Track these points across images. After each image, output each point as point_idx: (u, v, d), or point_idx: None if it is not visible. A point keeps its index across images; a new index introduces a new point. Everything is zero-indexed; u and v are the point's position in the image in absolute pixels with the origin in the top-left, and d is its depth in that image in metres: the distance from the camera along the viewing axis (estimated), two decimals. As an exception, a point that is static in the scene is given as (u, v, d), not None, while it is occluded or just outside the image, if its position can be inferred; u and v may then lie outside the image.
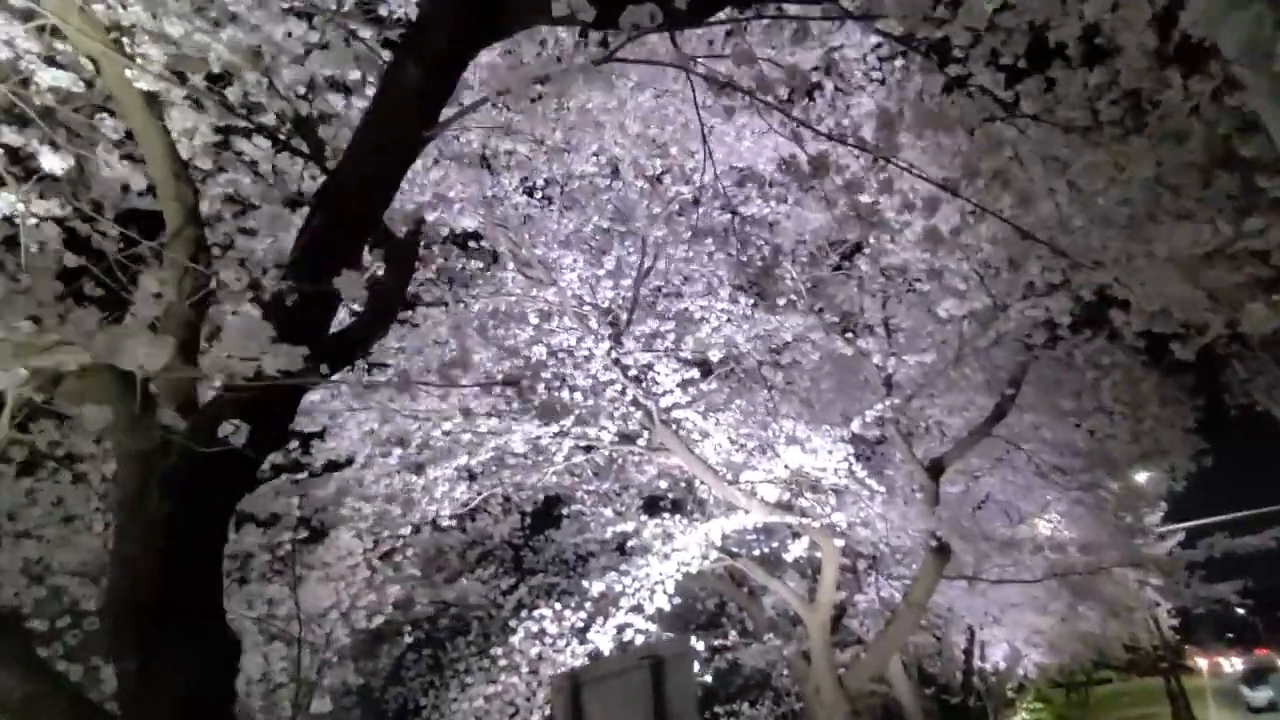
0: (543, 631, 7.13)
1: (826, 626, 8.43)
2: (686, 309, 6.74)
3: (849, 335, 8.11)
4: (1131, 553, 10.23)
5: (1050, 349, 7.25)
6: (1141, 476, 13.78)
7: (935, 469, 8.24)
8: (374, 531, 6.66)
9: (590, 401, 7.22)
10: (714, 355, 6.91)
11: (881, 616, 9.84)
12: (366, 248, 3.67)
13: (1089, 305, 6.56)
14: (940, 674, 18.06)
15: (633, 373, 6.48)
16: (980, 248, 6.38)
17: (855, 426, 7.59)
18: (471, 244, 7.03)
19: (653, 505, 9.53)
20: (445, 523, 10.72)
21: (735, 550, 8.99)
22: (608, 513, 9.17)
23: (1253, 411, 7.98)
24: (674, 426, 6.71)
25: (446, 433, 6.42)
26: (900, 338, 8.08)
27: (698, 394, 6.72)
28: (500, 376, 7.21)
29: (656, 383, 6.52)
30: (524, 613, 7.21)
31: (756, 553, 8.94)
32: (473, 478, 9.47)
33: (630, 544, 8.27)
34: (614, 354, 6.07)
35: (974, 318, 7.29)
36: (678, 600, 7.83)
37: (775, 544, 9.05)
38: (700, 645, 7.15)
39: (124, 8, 2.96)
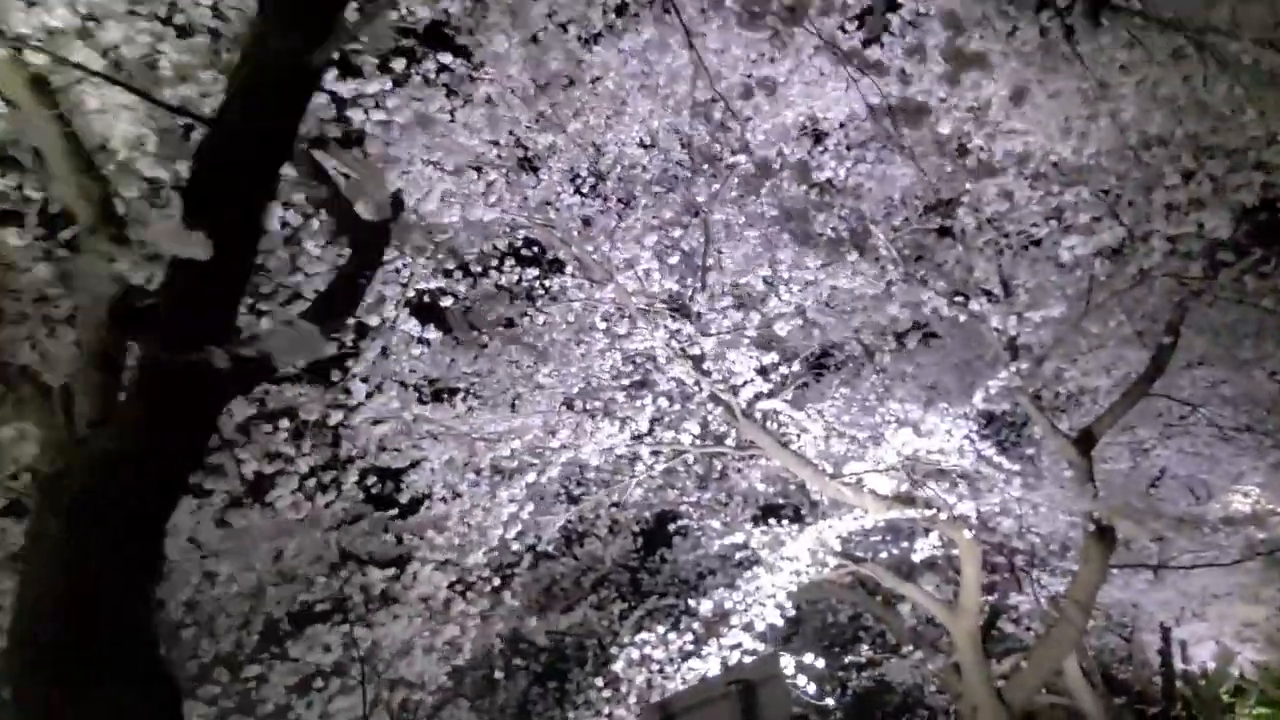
0: (647, 657, 6.55)
1: (976, 634, 7.33)
2: (758, 289, 6.04)
3: (960, 299, 7.09)
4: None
5: (1212, 278, 5.96)
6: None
7: (1085, 441, 7.00)
8: (456, 563, 6.35)
9: (677, 406, 6.63)
10: (794, 336, 6.17)
11: (1045, 619, 8.53)
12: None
13: (1254, 215, 5.31)
14: (1134, 680, 15.83)
15: (706, 365, 5.85)
16: (1100, 163, 5.33)
17: (978, 400, 6.56)
18: (527, 252, 6.68)
19: (769, 514, 8.79)
20: (550, 550, 10.45)
21: (860, 555, 8.06)
22: (716, 525, 8.49)
23: None
24: (761, 420, 6.00)
25: (514, 452, 6.03)
26: (1021, 295, 6.97)
27: (779, 382, 5.99)
28: (576, 391, 6.78)
29: (734, 372, 5.85)
30: (627, 638, 6.66)
31: (884, 555, 7.97)
32: (573, 501, 9.12)
33: (738, 556, 7.56)
34: (676, 344, 5.47)
35: (1106, 256, 6.15)
36: (795, 614, 7.06)
37: (905, 544, 8.05)
38: (820, 662, 6.30)
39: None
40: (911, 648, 8.58)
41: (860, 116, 7.25)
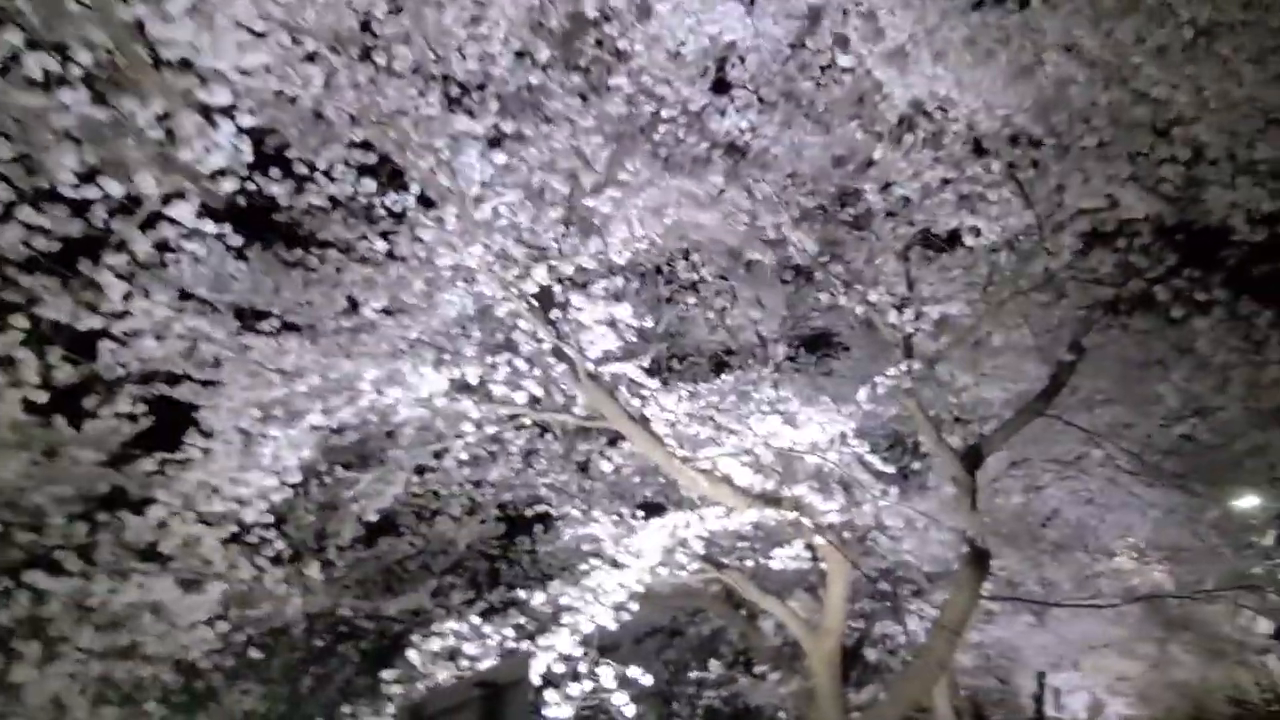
0: (457, 650, 5.60)
1: (835, 658, 6.63)
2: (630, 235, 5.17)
3: (858, 288, 6.42)
4: (1238, 576, 8.05)
5: (1121, 284, 5.40)
6: (1242, 506, 11.37)
7: (972, 458, 6.40)
8: (237, 520, 5.28)
9: (539, 373, 5.71)
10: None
11: (915, 651, 7.92)
12: None
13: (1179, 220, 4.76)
14: (1005, 724, 15.63)
15: (554, 315, 4.96)
16: (1015, 135, 4.70)
17: (862, 397, 5.86)
18: (370, 162, 5.68)
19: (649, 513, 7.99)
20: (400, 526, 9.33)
21: (725, 561, 7.29)
22: (575, 513, 7.60)
23: None
24: (610, 385, 5.14)
25: (313, 390, 5.00)
26: (923, 288, 6.34)
27: (639, 343, 5.15)
28: (415, 336, 5.80)
29: (582, 325, 4.98)
30: (438, 626, 5.69)
31: (750, 563, 7.21)
32: (420, 472, 8.10)
33: (586, 549, 6.69)
34: (519, 289, 4.56)
35: (1012, 248, 5.55)
36: (637, 620, 6.24)
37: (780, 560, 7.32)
38: (647, 678, 5.46)
39: None
40: (769, 668, 7.83)
41: (771, 71, 6.57)
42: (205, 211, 5.07)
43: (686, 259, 8.24)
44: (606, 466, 7.29)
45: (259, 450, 4.64)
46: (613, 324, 4.91)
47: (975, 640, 13.88)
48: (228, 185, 4.75)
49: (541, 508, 8.61)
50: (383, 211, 5.77)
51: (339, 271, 6.14)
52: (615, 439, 7.59)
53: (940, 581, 8.75)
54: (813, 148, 6.62)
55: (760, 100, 6.69)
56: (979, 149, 5.16)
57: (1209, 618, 12.45)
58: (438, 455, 8.08)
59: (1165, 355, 6.55)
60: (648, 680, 5.34)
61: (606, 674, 5.30)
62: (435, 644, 5.34)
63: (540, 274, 4.46)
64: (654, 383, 5.06)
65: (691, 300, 8.51)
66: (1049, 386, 6.35)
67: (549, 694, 4.94)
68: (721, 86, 6.48)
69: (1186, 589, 8.27)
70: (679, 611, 11.58)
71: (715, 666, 7.59)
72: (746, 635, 8.30)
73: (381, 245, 5.89)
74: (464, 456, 8.01)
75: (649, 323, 5.06)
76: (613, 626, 5.66)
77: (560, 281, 4.83)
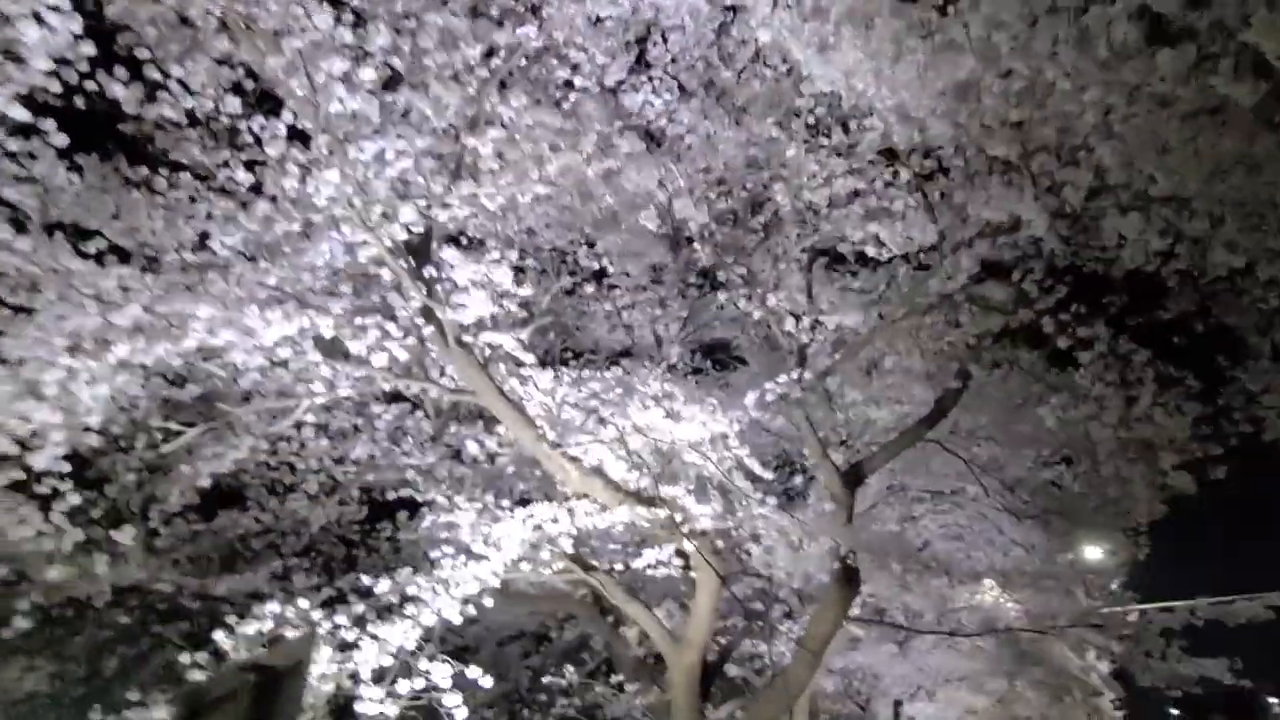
0: (279, 638, 4.98)
1: (695, 672, 6.35)
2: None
3: (758, 292, 6.22)
4: (1086, 616, 8.33)
5: (1011, 313, 5.40)
6: (1095, 552, 11.99)
7: (853, 476, 6.30)
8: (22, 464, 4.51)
9: (412, 341, 5.17)
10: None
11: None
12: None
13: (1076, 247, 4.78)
14: (859, 749, 15.89)
15: (430, 274, 4.48)
16: (925, 144, 4.59)
17: (750, 402, 5.64)
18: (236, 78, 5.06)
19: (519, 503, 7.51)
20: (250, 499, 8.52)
21: (592, 562, 6.91)
22: (440, 499, 7.05)
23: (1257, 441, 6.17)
24: (481, 356, 4.69)
25: (140, 328, 4.32)
26: (822, 300, 6.21)
27: (516, 314, 4.73)
28: (274, 281, 5.17)
29: (460, 287, 4.52)
30: (255, 611, 5.05)
31: (619, 567, 6.87)
32: (276, 442, 7.38)
33: (443, 536, 6.17)
34: (386, 234, 4.06)
35: (913, 264, 5.48)
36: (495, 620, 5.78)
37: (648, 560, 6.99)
38: (487, 680, 5.00)
39: None
40: (629, 678, 7.48)
41: (693, 55, 6.34)
42: (29, 105, 4.37)
43: (590, 247, 7.90)
44: (477, 450, 6.81)
45: (41, 379, 3.93)
46: (490, 288, 4.48)
47: (839, 665, 14.11)
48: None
49: (407, 492, 8.01)
50: (250, 138, 5.16)
51: (192, 201, 5.47)
52: (492, 424, 7.13)
53: (812, 604, 8.68)
54: (728, 143, 6.42)
55: (680, 86, 6.45)
56: (891, 156, 5.06)
57: (1056, 657, 13.04)
58: (298, 426, 7.42)
59: (1045, 394, 6.65)
60: (488, 682, 4.89)
61: (445, 672, 4.83)
62: (251, 628, 4.72)
63: (408, 215, 3.99)
64: (530, 358, 4.65)
65: (590, 290, 8.15)
66: (933, 412, 6.34)
67: (366, 690, 4.42)
68: (642, 64, 6.20)
69: (1039, 625, 8.51)
70: (547, 616, 11.14)
71: (571, 673, 7.18)
72: (610, 643, 7.94)
73: (245, 177, 5.28)
74: (315, 422, 7.36)
75: (528, 291, 4.65)
76: (458, 620, 5.19)
77: (433, 235, 4.37)
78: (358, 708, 4.51)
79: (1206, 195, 3.94)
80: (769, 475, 5.87)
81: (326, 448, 7.75)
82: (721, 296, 6.42)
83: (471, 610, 5.20)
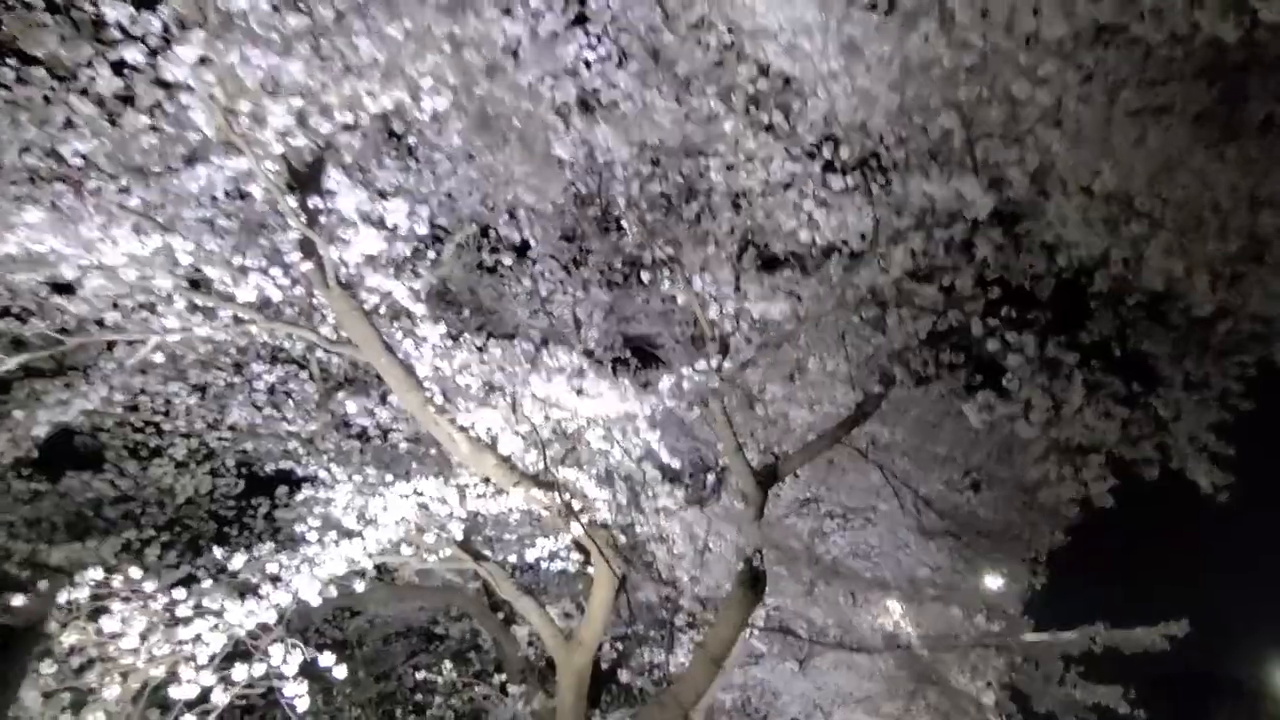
0: (100, 612, 4.28)
1: (584, 674, 5.89)
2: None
3: (684, 277, 5.85)
4: (985, 637, 8.25)
5: (940, 313, 5.18)
6: (995, 580, 12.15)
7: (767, 476, 5.98)
8: None
9: (289, 282, 4.55)
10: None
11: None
12: None
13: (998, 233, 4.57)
14: (756, 769, 15.66)
15: (314, 203, 3.91)
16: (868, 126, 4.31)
17: (664, 387, 5.25)
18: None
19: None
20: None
21: (483, 551, 6.38)
22: (322, 473, 6.41)
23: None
24: (364, 304, 4.15)
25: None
26: (750, 289, 5.88)
27: (408, 258, 4.21)
28: (135, 203, 4.48)
29: (347, 220, 3.98)
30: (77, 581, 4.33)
31: (513, 559, 6.37)
32: (137, 395, 6.61)
33: (316, 510, 5.54)
34: (256, 141, 3.49)
35: (845, 255, 5.21)
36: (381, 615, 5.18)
37: (547, 553, 6.51)
38: (340, 670, 4.41)
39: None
40: (517, 680, 6.94)
41: (635, 14, 5.95)
42: None
43: (511, 217, 7.40)
44: (367, 422, 6.21)
45: None
46: (381, 224, 3.95)
47: (738, 681, 13.85)
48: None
49: (289, 465, 7.31)
50: (118, 33, 4.49)
51: (46, 101, 4.74)
52: (386, 394, 6.54)
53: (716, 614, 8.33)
54: (665, 115, 6.05)
55: (621, 51, 6.05)
56: (831, 144, 4.78)
57: (952, 681, 13.14)
58: (164, 380, 6.66)
59: (967, 404, 6.49)
60: (341, 671, 4.31)
61: (294, 659, 4.24)
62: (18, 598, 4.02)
63: (280, 117, 3.43)
64: (422, 309, 4.14)
65: (509, 261, 7.64)
66: (854, 415, 6.09)
67: (187, 672, 3.80)
68: (580, 21, 5.78)
69: (941, 644, 8.38)
70: (436, 611, 10.46)
71: (449, 671, 6.56)
72: (499, 642, 7.40)
73: (111, 80, 4.59)
74: (191, 382, 6.64)
75: (421, 227, 4.12)
76: (315, 601, 4.60)
77: (322, 167, 3.83)
78: (172, 691, 3.88)
79: (1149, 195, 3.78)
80: (677, 465, 5.48)
81: (197, 407, 7.00)
82: (645, 277, 5.99)
83: (333, 592, 4.62)
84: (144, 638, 4.39)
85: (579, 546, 6.21)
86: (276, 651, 4.05)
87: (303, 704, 4.00)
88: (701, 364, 5.35)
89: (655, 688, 7.15)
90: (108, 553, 6.82)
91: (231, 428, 7.17)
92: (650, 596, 7.92)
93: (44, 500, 7.30)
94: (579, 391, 4.68)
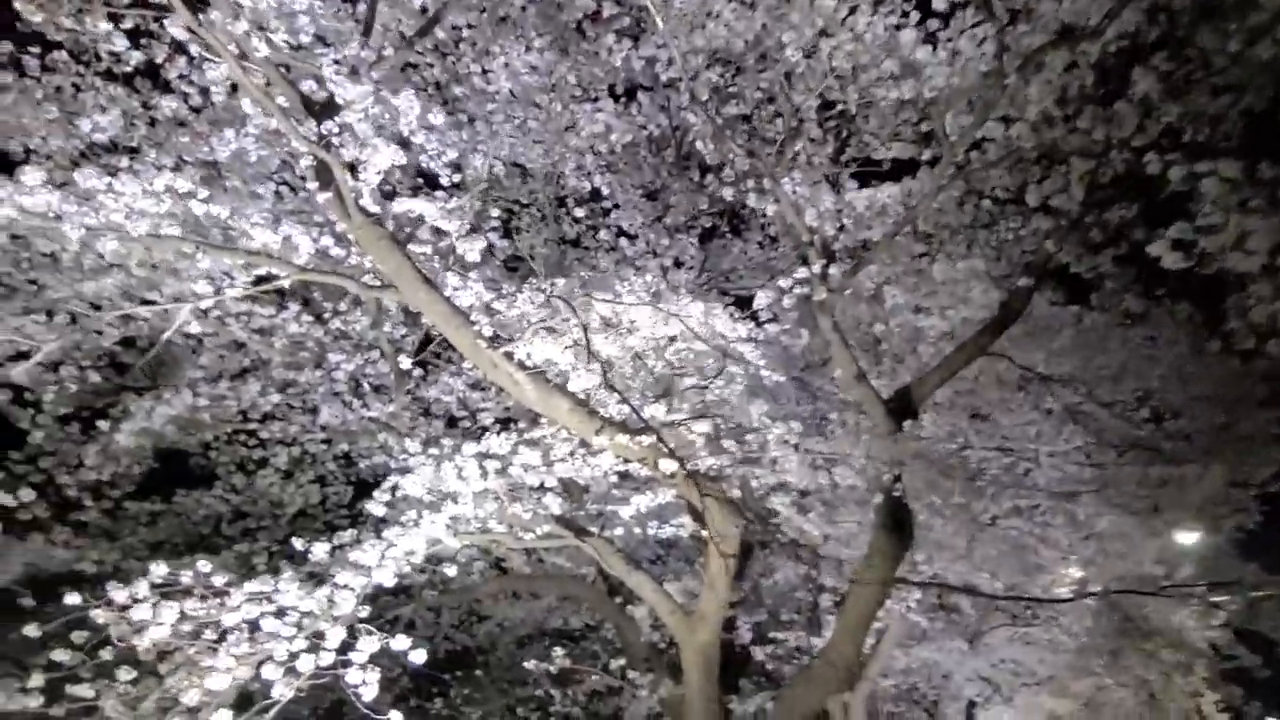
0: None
1: (711, 653, 5.12)
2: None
3: (768, 182, 5.00)
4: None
5: (1100, 157, 4.06)
6: (1189, 536, 10.29)
7: (900, 405, 4.98)
8: None
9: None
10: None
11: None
12: None
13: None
14: (928, 760, 14.26)
15: (329, 128, 3.42)
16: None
17: (762, 302, 4.44)
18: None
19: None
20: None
21: (585, 526, 5.73)
22: (401, 455, 5.94)
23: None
24: (393, 227, 3.60)
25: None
26: (855, 207, 4.94)
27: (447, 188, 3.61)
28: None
29: (364, 141, 3.44)
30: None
31: (619, 530, 5.68)
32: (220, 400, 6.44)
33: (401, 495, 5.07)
34: (253, 59, 3.00)
35: (967, 110, 4.20)
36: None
37: (668, 525, 5.78)
38: (417, 657, 3.84)
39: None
40: (641, 669, 6.22)
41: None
42: None
43: (578, 168, 6.79)
44: (446, 398, 5.73)
45: None
46: (405, 145, 3.40)
47: (902, 664, 12.55)
48: None
49: (382, 458, 6.97)
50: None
51: (76, 90, 4.53)
52: (463, 366, 6.04)
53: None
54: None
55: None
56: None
57: (1141, 662, 11.35)
58: (241, 376, 6.43)
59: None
60: (419, 656, 3.76)
61: (369, 645, 3.73)
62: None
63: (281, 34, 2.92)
64: (455, 225, 3.54)
65: (582, 214, 7.00)
66: (999, 316, 4.97)
67: (269, 671, 3.34)
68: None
69: (1146, 588, 6.93)
70: (566, 610, 9.94)
71: (559, 660, 5.92)
72: (620, 628, 6.75)
73: (130, 53, 4.32)
74: (275, 379, 6.39)
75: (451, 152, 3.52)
76: (389, 582, 4.09)
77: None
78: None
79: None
80: (788, 401, 4.63)
81: (288, 409, 6.78)
82: (729, 194, 5.18)
83: (407, 567, 4.10)
84: (223, 637, 4.02)
85: (692, 511, 5.45)
86: (335, 637, 3.55)
87: (369, 693, 3.48)
88: (802, 271, 4.49)
89: (788, 665, 6.26)
90: (220, 567, 6.69)
91: (323, 428, 6.92)
92: (789, 576, 7.03)
93: (162, 522, 7.32)
94: (659, 312, 3.94)
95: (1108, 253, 4.97)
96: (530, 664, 5.43)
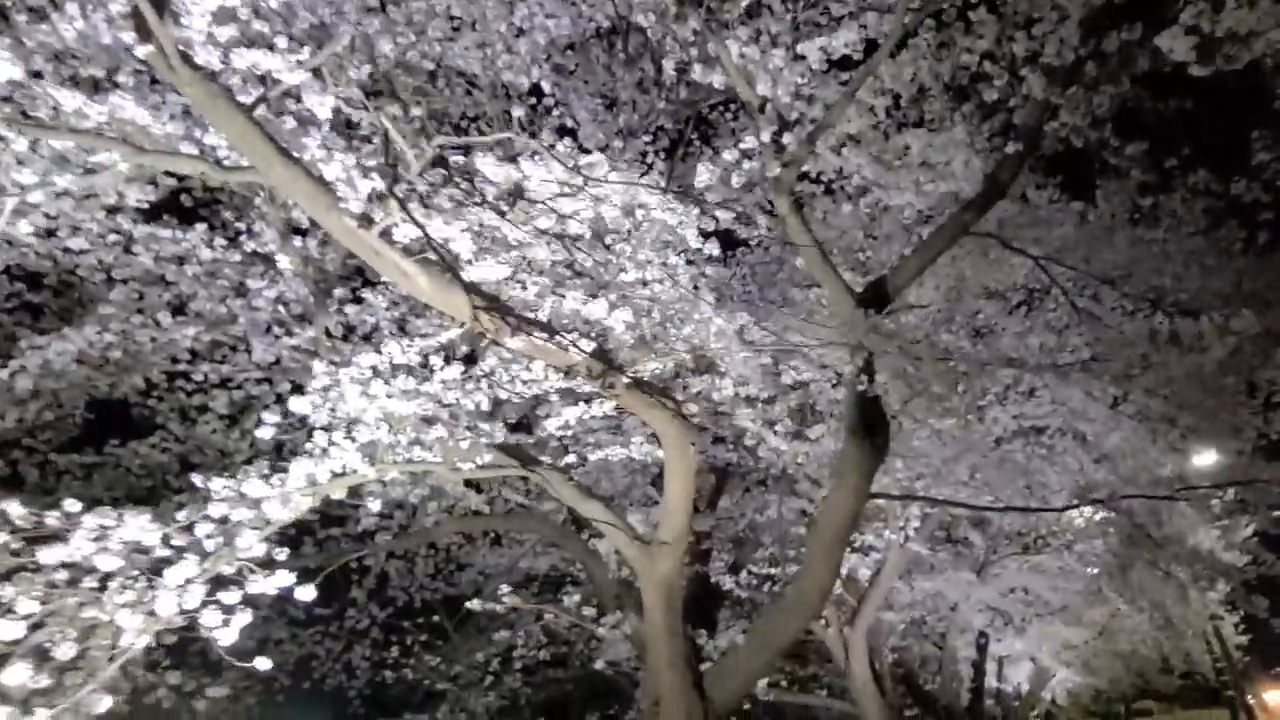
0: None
1: (672, 584, 4.60)
2: None
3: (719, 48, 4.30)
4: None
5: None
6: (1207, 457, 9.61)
7: (873, 296, 4.36)
8: None
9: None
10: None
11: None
12: None
13: None
14: (940, 693, 13.94)
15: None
16: None
17: (704, 177, 3.79)
18: None
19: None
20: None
21: (541, 457, 5.19)
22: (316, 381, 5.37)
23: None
24: (225, 85, 2.95)
25: None
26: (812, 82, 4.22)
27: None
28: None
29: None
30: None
31: (570, 458, 5.14)
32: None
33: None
34: None
35: None
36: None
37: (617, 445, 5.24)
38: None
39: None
40: (599, 609, 5.71)
41: None
42: None
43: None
44: (368, 317, 5.14)
45: None
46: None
47: (906, 599, 12.13)
48: None
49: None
50: None
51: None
52: (380, 282, 5.43)
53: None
54: None
55: None
56: None
57: (1157, 585, 10.86)
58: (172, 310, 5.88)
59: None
60: (308, 593, 3.25)
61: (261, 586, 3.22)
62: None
63: None
64: (300, 76, 2.90)
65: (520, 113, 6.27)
66: (983, 190, 4.30)
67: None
68: None
69: (1160, 491, 6.32)
70: (551, 552, 9.49)
71: (506, 596, 5.38)
72: (587, 565, 6.26)
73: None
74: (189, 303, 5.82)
75: None
76: (285, 517, 3.57)
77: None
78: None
79: None
80: (738, 277, 4.01)
81: (218, 349, 6.23)
82: (670, 67, 4.49)
83: (306, 505, 3.58)
84: (103, 584, 3.52)
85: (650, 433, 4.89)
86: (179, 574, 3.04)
87: (227, 636, 2.98)
88: (750, 140, 3.83)
89: (751, 590, 5.75)
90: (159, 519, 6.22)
91: (258, 365, 6.37)
92: (766, 502, 6.50)
93: (99, 475, 6.85)
94: (581, 181, 3.30)
95: (1109, 110, 4.28)
96: (475, 604, 4.93)
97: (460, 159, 3.36)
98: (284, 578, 3.22)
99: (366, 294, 5.14)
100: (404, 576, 8.70)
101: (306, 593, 3.27)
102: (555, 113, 6.66)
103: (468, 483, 7.11)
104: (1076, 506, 6.27)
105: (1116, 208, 7.03)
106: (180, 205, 5.99)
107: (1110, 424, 8.62)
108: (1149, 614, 12.53)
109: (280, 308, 5.68)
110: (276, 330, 5.95)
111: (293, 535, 6.86)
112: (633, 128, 6.54)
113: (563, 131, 6.52)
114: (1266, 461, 9.08)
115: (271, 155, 2.99)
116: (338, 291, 5.42)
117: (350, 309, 5.21)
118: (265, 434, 4.07)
